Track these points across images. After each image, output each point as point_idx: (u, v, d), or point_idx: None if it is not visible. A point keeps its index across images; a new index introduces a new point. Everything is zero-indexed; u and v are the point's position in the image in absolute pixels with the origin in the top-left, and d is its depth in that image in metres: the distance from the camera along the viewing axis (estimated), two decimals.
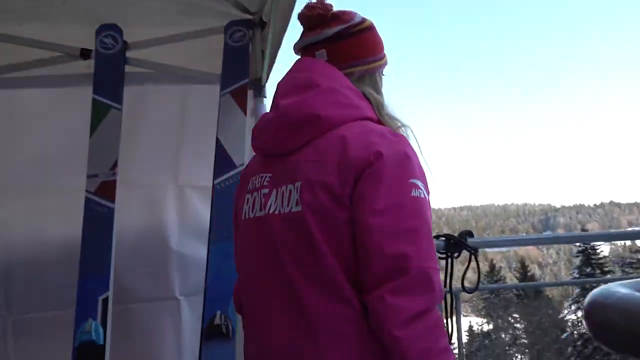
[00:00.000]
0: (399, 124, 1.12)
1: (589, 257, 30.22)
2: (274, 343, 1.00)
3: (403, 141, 1.02)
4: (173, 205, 2.92)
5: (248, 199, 1.12)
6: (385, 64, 1.22)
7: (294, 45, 1.21)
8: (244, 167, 1.29)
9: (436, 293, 0.91)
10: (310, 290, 0.95)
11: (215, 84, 2.59)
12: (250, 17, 2.69)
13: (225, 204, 2.27)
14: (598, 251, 31.07)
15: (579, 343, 26.13)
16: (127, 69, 2.61)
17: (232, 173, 2.38)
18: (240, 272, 1.19)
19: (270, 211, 1.03)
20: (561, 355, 26.56)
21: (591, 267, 29.88)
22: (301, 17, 1.17)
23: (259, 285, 1.06)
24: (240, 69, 2.61)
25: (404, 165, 0.96)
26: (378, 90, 1.17)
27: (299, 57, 1.20)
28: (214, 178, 2.38)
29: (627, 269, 28.58)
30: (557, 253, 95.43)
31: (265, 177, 1.08)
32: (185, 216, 2.91)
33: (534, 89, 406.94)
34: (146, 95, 2.85)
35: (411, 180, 0.95)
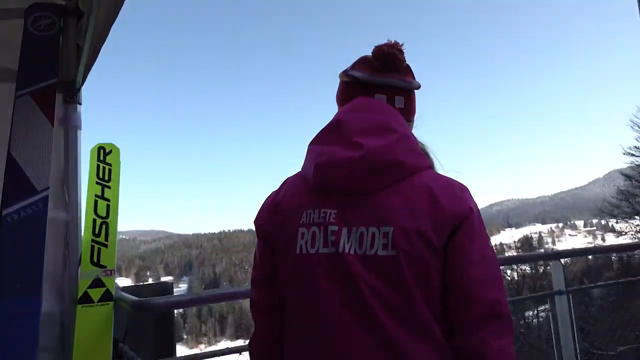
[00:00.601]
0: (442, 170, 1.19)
1: None
2: None
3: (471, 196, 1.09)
4: None
5: (304, 233, 1.06)
6: None
7: (356, 73, 1.19)
8: (278, 195, 1.16)
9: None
10: (406, 337, 0.96)
11: (8, 82, 1.99)
12: (61, 1, 2.14)
13: (20, 241, 1.77)
14: None
15: None
16: None
17: (31, 200, 1.83)
18: (295, 307, 1.09)
19: (346, 250, 1.00)
20: None
21: None
22: (389, 55, 1.16)
23: (334, 325, 1.00)
24: (45, 65, 2.06)
25: (482, 221, 1.05)
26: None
27: (351, 87, 1.20)
28: (3, 206, 1.81)
29: None
30: None
31: (330, 213, 1.04)
32: None
33: None
34: None
35: (487, 233, 1.05)
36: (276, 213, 1.13)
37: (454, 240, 0.98)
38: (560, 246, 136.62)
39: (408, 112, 1.20)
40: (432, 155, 1.18)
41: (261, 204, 1.20)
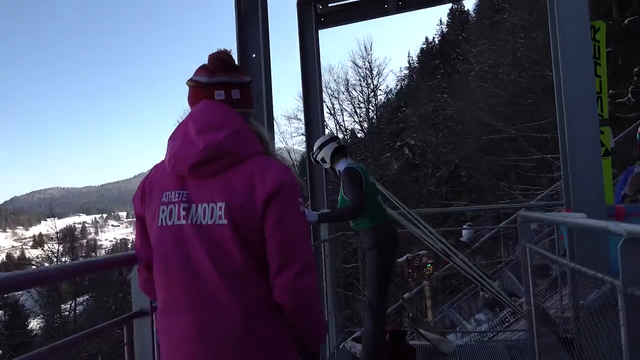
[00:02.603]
0: (277, 154, 1.49)
1: None
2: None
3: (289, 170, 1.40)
4: None
5: (164, 209, 1.35)
6: None
7: (198, 78, 1.45)
8: (147, 179, 1.46)
9: None
10: (227, 285, 1.30)
11: None
12: None
13: None
14: None
15: None
16: None
17: None
18: (157, 264, 1.39)
19: (188, 222, 1.31)
20: None
21: None
22: (220, 59, 1.43)
23: (175, 277, 1.33)
24: None
25: (295, 191, 1.37)
26: (255, 124, 1.50)
27: (193, 87, 1.46)
28: None
29: None
30: None
31: (183, 193, 1.34)
32: None
33: None
34: None
35: (298, 201, 1.37)
36: (145, 194, 1.42)
37: (269, 208, 1.29)
38: (104, 236, 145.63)
39: (246, 101, 1.46)
40: (267, 140, 1.45)
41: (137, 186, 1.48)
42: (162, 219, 1.35)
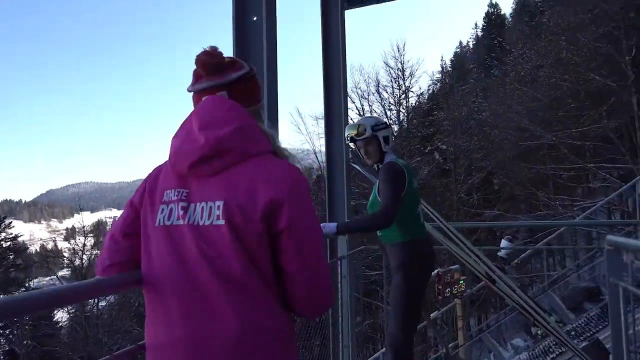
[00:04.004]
0: (287, 153, 1.35)
1: None
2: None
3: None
4: None
5: (163, 208, 1.25)
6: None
7: (191, 85, 1.35)
8: (149, 178, 1.35)
9: None
10: (221, 289, 1.18)
11: None
12: None
13: None
14: None
15: None
16: None
17: None
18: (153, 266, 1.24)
19: (185, 222, 1.20)
20: None
21: None
22: (200, 62, 1.31)
23: (169, 278, 1.20)
24: None
25: (305, 193, 1.27)
26: (264, 124, 1.39)
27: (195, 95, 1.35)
28: None
29: None
30: None
31: (182, 192, 1.24)
32: None
33: None
34: None
35: (309, 205, 1.27)
36: (146, 191, 1.32)
37: (277, 213, 1.18)
38: None
39: (241, 100, 1.32)
40: (275, 139, 1.33)
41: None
42: (160, 219, 1.25)
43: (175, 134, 1.30)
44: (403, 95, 23.01)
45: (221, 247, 1.16)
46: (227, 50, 2.31)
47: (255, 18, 2.23)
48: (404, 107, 23.37)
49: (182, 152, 1.24)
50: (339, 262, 3.47)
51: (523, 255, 7.91)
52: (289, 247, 1.19)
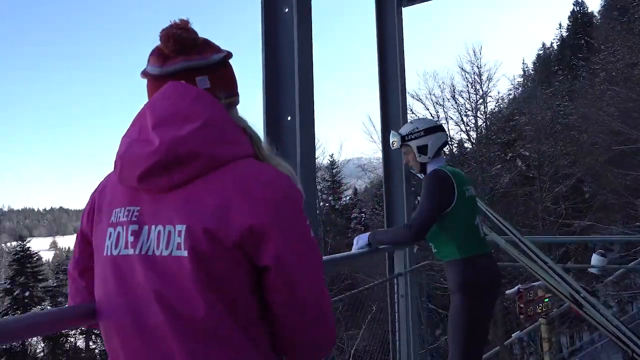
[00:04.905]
0: (275, 162, 1.02)
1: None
2: None
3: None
4: None
5: (111, 233, 0.96)
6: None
7: (153, 67, 1.02)
8: (96, 191, 1.07)
9: None
10: (183, 339, 0.89)
11: None
12: None
13: None
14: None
15: None
16: None
17: None
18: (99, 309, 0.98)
19: (136, 252, 0.91)
20: None
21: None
22: (172, 37, 0.99)
23: (116, 327, 0.94)
24: None
25: (296, 212, 0.96)
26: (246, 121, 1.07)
27: (156, 78, 1.02)
28: None
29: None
30: None
31: (133, 211, 0.95)
32: None
33: None
34: None
35: (302, 229, 0.98)
36: (94, 210, 1.05)
37: (263, 238, 0.89)
38: None
39: (223, 88, 1.04)
40: (258, 141, 1.03)
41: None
42: (107, 247, 0.96)
43: (126, 133, 0.99)
44: (481, 101, 22.01)
45: (182, 283, 0.88)
46: (257, 47, 2.14)
47: (286, 10, 2.01)
48: (482, 112, 22.35)
49: (130, 157, 0.94)
50: (395, 280, 3.14)
51: (619, 271, 7.06)
52: (277, 284, 0.92)
